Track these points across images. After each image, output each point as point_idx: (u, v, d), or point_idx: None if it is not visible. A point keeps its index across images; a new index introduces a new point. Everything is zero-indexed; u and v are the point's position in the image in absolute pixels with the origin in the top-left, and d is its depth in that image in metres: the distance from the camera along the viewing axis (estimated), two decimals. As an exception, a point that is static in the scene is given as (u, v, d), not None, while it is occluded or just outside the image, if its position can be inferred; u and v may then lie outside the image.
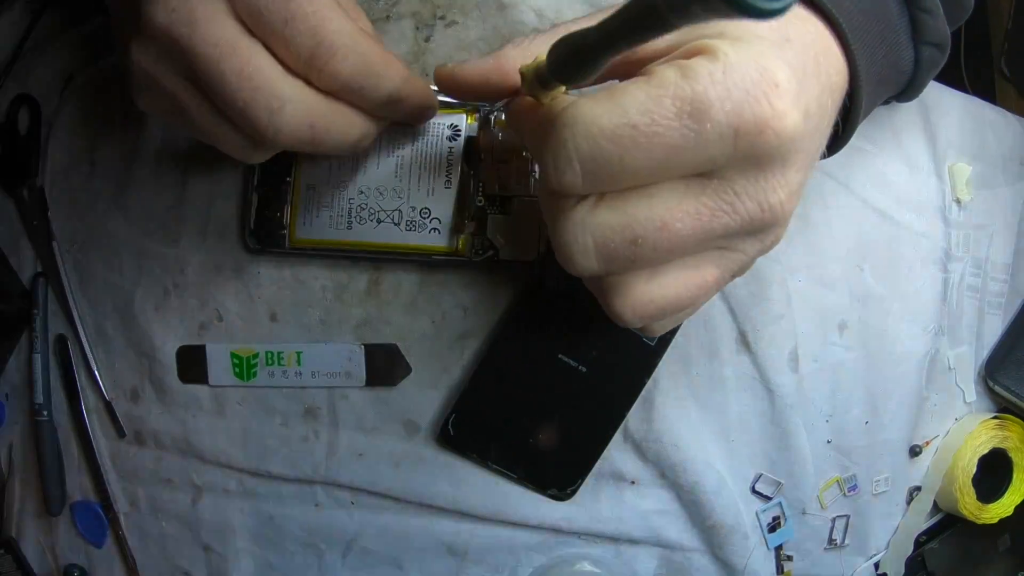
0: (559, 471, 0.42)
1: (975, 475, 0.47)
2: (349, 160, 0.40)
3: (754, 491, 0.44)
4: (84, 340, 0.46)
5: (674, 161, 0.26)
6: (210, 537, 0.46)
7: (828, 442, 0.45)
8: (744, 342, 0.43)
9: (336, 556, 0.45)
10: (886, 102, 0.41)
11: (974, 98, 0.49)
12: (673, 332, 0.41)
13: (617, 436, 0.42)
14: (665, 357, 0.41)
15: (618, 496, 0.43)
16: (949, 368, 0.48)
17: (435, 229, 0.40)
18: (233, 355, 0.43)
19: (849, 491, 0.46)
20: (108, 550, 0.48)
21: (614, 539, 0.44)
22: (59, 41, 0.47)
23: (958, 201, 0.47)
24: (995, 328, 0.50)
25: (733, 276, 0.30)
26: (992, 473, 0.49)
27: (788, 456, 0.44)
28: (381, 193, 0.40)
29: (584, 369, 0.41)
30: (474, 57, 0.41)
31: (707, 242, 0.28)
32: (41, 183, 0.46)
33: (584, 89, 0.32)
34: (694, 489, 0.43)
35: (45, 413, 0.46)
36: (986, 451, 0.48)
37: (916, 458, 0.48)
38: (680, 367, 0.43)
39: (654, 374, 0.42)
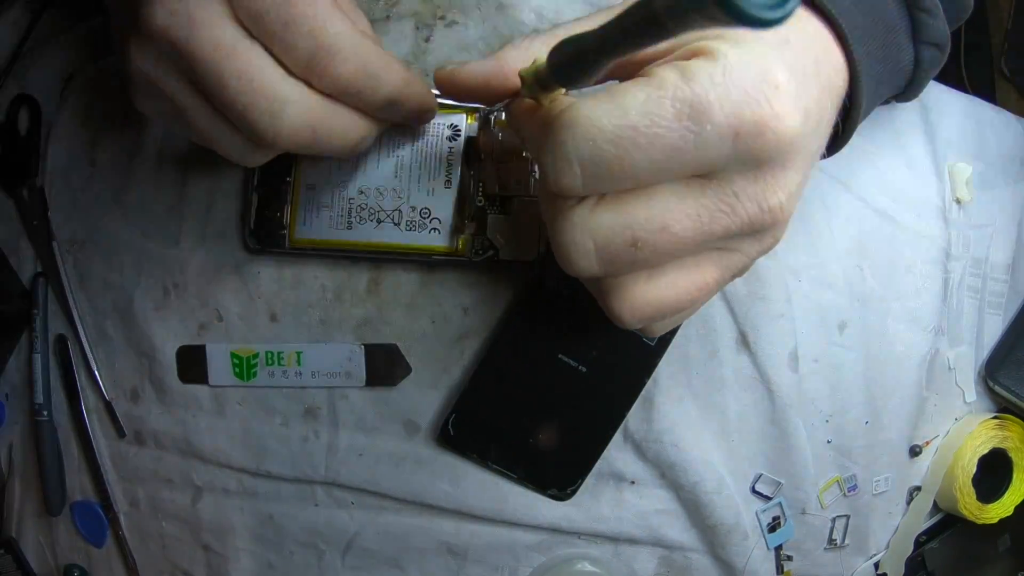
0: (559, 471, 0.42)
1: (975, 475, 0.47)
2: (349, 160, 0.40)
3: (754, 491, 0.44)
4: (84, 340, 0.46)
5: (674, 162, 0.26)
6: (210, 537, 0.46)
7: (828, 442, 0.45)
8: (744, 342, 0.43)
9: (336, 556, 0.45)
10: (886, 102, 0.41)
11: (974, 98, 0.49)
12: (673, 332, 0.41)
13: (617, 436, 0.42)
14: (665, 357, 0.41)
15: (618, 496, 0.43)
16: (949, 368, 0.48)
17: (435, 229, 0.40)
18: (233, 355, 0.43)
19: (849, 491, 0.46)
20: (108, 550, 0.48)
21: (614, 539, 0.44)
22: (59, 41, 0.47)
23: (958, 201, 0.47)
24: (995, 328, 0.50)
25: (733, 277, 0.30)
26: (992, 473, 0.49)
27: (788, 456, 0.44)
28: (381, 193, 0.40)
29: (584, 369, 0.41)
30: (474, 57, 0.41)
31: (707, 243, 0.28)
32: (41, 183, 0.46)
33: (584, 89, 0.32)
34: (694, 489, 0.43)
35: (45, 413, 0.46)
36: (986, 451, 0.48)
37: (916, 458, 0.48)
38: (680, 367, 0.43)
39: (654, 374, 0.42)
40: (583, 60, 0.25)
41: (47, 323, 0.46)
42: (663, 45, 0.28)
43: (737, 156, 0.26)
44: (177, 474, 0.46)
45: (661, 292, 0.29)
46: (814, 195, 0.44)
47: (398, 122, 0.37)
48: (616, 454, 0.43)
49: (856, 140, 0.36)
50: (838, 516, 0.46)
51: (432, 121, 0.40)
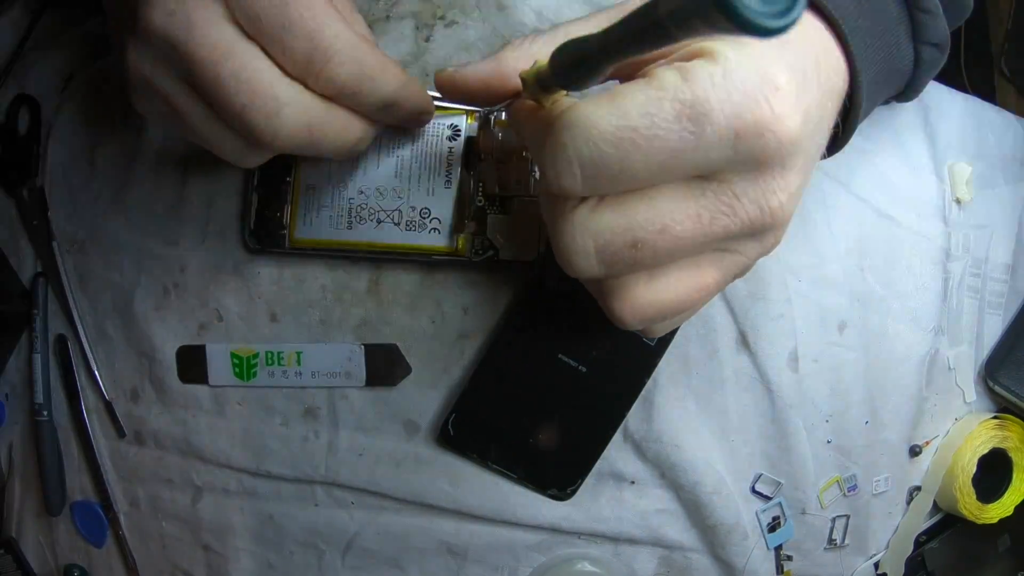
0: (559, 471, 0.42)
1: (975, 475, 0.47)
2: (349, 160, 0.40)
3: (754, 491, 0.44)
4: (84, 340, 0.46)
5: (674, 164, 0.26)
6: (210, 537, 0.46)
7: (828, 442, 0.45)
8: (744, 342, 0.43)
9: (336, 556, 0.45)
10: (886, 102, 0.41)
11: (974, 98, 0.49)
12: (673, 332, 0.41)
13: (617, 436, 0.42)
14: (665, 357, 0.41)
15: (618, 496, 0.43)
16: (949, 368, 0.48)
17: (435, 229, 0.40)
18: (233, 355, 0.43)
19: (849, 491, 0.46)
20: (108, 550, 0.48)
21: (614, 539, 0.44)
22: (59, 41, 0.47)
23: (958, 201, 0.47)
24: (995, 328, 0.50)
25: (733, 278, 0.30)
26: (992, 473, 0.49)
27: (788, 456, 0.44)
28: (381, 193, 0.40)
29: (584, 369, 0.41)
30: (474, 57, 0.41)
31: (707, 244, 0.28)
32: (41, 183, 0.46)
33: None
34: (694, 489, 0.43)
35: (45, 413, 0.47)
36: (986, 451, 0.48)
37: (916, 458, 0.48)
38: (680, 367, 0.43)
39: (654, 374, 0.42)
40: (585, 63, 0.25)
41: (47, 323, 0.46)
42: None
43: (737, 157, 0.26)
44: (177, 474, 0.46)
45: (661, 293, 0.29)
46: (814, 195, 0.44)
47: (395, 124, 0.37)
48: (616, 454, 0.43)
49: (856, 140, 0.36)
50: (838, 516, 0.46)
51: (432, 121, 0.40)
